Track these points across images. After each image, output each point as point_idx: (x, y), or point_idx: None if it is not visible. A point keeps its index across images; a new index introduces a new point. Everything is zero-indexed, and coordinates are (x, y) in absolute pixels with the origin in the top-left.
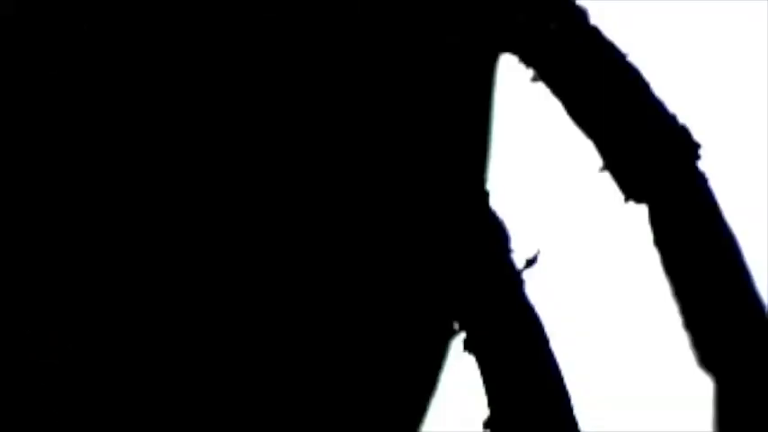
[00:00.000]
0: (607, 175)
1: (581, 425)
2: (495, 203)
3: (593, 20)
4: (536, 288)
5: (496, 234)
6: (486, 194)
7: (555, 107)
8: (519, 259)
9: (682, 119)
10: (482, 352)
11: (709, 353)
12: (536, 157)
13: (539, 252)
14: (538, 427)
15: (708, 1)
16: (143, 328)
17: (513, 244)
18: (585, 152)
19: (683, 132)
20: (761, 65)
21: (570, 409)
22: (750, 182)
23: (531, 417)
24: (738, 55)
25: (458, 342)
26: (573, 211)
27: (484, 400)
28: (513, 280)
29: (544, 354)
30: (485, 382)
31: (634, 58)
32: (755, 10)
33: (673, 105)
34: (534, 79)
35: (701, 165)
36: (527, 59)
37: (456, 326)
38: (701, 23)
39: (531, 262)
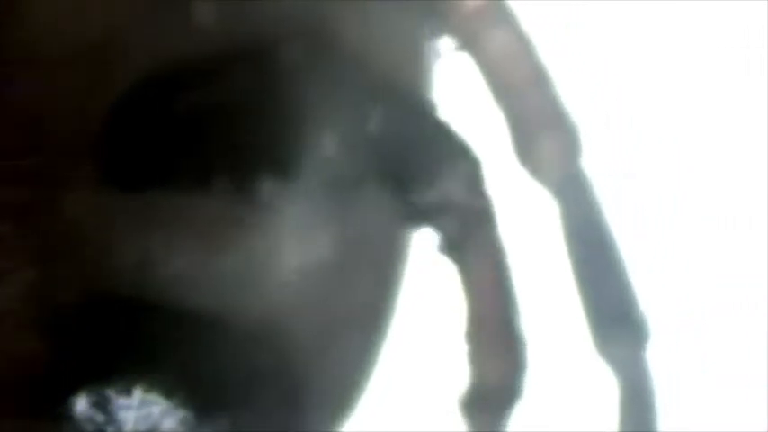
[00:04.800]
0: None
1: None
2: None
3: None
4: None
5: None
6: None
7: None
8: None
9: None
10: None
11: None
12: None
13: None
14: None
15: (708, 1)
16: None
17: None
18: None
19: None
20: (761, 65)
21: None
22: (750, 182)
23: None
24: (738, 55)
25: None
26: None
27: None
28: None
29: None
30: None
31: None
32: (755, 10)
33: (671, 105)
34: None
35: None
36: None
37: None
38: (701, 23)
39: None
